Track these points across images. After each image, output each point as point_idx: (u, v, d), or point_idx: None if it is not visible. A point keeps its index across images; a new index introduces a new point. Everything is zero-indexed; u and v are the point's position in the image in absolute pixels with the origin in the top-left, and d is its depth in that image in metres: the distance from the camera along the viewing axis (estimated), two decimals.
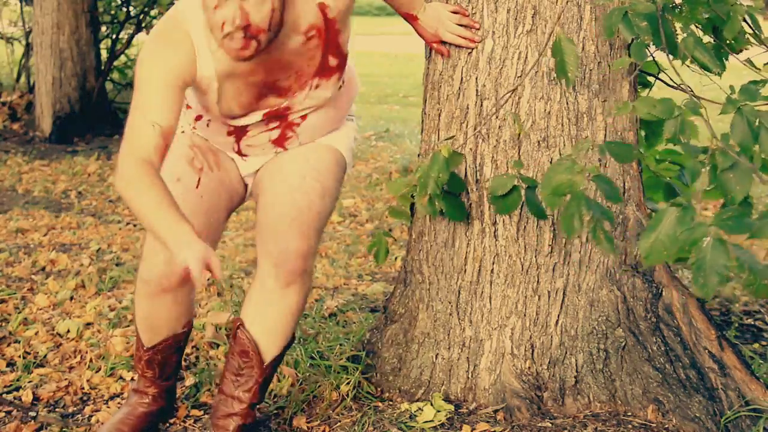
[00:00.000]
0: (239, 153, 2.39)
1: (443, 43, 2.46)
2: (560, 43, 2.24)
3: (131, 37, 7.62)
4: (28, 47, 7.89)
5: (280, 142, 2.35)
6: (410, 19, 2.45)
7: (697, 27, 2.42)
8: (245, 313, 2.31)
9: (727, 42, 2.41)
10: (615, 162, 2.44)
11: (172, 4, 7.89)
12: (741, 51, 2.46)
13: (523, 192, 2.25)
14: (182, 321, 2.40)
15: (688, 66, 2.28)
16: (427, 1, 2.45)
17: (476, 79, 2.46)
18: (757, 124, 2.03)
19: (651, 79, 2.77)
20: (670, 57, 2.19)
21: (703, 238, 1.84)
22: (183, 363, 2.85)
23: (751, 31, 2.39)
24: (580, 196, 2.03)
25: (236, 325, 2.32)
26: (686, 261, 2.91)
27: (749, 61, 2.39)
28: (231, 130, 2.32)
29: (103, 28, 7.62)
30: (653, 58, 2.63)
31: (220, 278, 1.98)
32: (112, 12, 7.82)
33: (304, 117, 2.32)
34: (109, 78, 7.64)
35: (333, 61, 2.25)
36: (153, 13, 7.77)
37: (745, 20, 2.32)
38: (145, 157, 2.04)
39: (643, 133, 2.88)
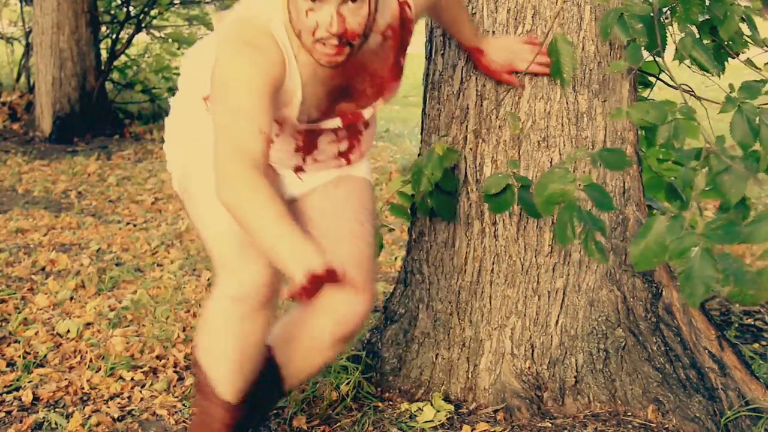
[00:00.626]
0: (299, 170, 2.16)
1: (515, 73, 2.40)
2: (556, 43, 2.24)
3: (131, 37, 7.62)
4: (28, 47, 7.89)
5: (347, 154, 2.18)
6: (476, 52, 2.39)
7: (696, 28, 2.43)
8: (277, 346, 2.14)
9: (726, 42, 2.41)
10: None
11: (172, 4, 7.90)
12: (739, 54, 2.46)
13: (516, 191, 2.25)
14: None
15: (688, 66, 2.28)
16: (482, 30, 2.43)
17: (476, 79, 2.46)
18: (757, 122, 2.03)
19: (652, 79, 2.77)
20: (663, 59, 2.19)
21: (691, 247, 1.85)
22: (183, 363, 2.85)
23: (748, 33, 2.38)
24: (572, 207, 2.04)
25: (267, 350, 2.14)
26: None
27: (749, 61, 2.39)
28: (300, 146, 2.09)
29: (103, 28, 7.62)
30: (654, 58, 2.63)
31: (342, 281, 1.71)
32: (112, 12, 7.82)
33: (366, 125, 2.19)
34: (109, 78, 7.64)
35: (401, 63, 2.10)
36: (153, 13, 7.77)
37: (743, 20, 2.32)
38: (256, 164, 1.77)
39: (643, 133, 2.88)
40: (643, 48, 2.20)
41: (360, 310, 2.09)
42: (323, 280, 1.61)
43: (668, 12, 2.44)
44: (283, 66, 1.88)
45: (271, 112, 1.84)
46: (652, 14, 2.15)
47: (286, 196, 2.17)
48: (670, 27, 2.34)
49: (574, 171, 2.12)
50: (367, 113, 2.09)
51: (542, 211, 2.09)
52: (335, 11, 1.77)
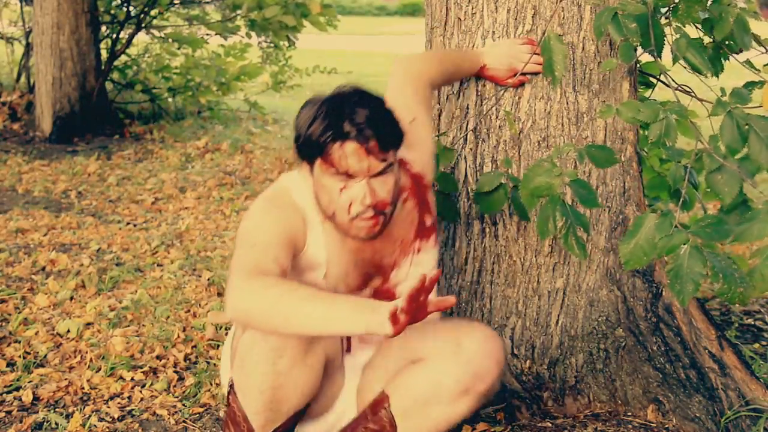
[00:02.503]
0: (348, 348, 2.11)
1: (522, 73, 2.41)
2: (549, 41, 2.25)
3: (131, 37, 7.61)
4: (28, 47, 7.88)
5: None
6: (480, 71, 2.43)
7: (696, 27, 2.43)
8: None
9: (726, 43, 2.41)
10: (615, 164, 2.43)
11: (172, 4, 7.89)
12: (741, 51, 2.46)
13: (509, 190, 2.25)
14: (316, 387, 1.95)
15: (684, 67, 2.28)
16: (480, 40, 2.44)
17: (476, 79, 2.46)
18: (746, 127, 2.04)
19: (654, 79, 2.78)
20: (660, 59, 2.19)
21: (681, 245, 1.86)
22: (183, 363, 2.85)
23: (740, 39, 2.38)
24: (555, 200, 2.04)
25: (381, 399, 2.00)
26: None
27: (748, 63, 2.39)
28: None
29: (103, 28, 7.61)
30: (655, 58, 2.63)
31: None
32: (112, 12, 7.81)
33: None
34: (109, 78, 7.64)
35: (429, 220, 2.12)
36: (153, 12, 7.77)
37: (735, 22, 2.32)
38: (268, 272, 1.79)
39: (645, 133, 2.88)
40: (640, 48, 2.21)
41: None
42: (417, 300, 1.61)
43: (667, 12, 2.44)
44: (303, 227, 1.95)
45: (289, 257, 1.86)
46: (647, 14, 2.15)
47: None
48: (667, 27, 2.33)
49: (575, 168, 2.12)
50: (402, 277, 2.08)
51: (526, 204, 2.10)
52: (367, 184, 1.87)
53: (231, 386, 1.94)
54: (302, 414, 1.97)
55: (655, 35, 2.15)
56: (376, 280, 2.09)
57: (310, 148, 1.88)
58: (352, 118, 1.84)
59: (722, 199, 2.06)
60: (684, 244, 1.86)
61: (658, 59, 2.20)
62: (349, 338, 2.11)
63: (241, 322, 1.84)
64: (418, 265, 2.11)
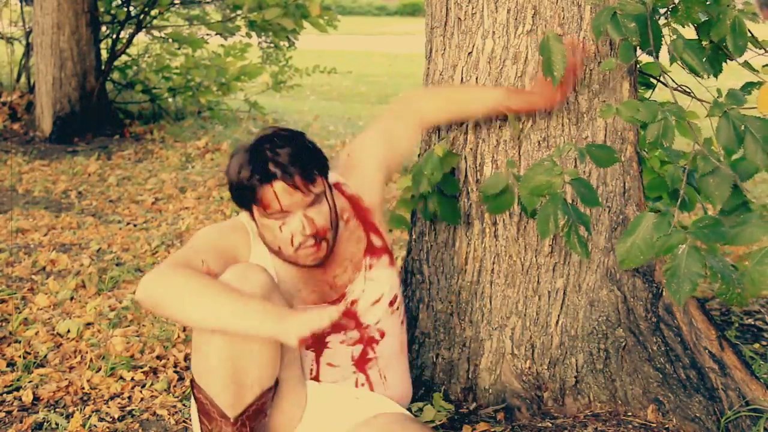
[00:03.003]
0: (316, 378, 2.14)
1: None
2: (548, 41, 2.25)
3: (131, 37, 7.61)
4: (28, 47, 7.88)
5: (362, 363, 2.16)
6: (507, 108, 2.40)
7: (695, 27, 2.42)
8: None
9: (724, 44, 2.41)
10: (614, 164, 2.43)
11: (172, 4, 7.89)
12: (741, 53, 2.46)
13: (516, 191, 2.25)
14: (275, 360, 1.97)
15: (682, 68, 2.28)
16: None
17: (476, 79, 2.46)
18: (742, 128, 2.04)
19: (654, 80, 2.77)
20: (657, 58, 2.19)
21: (679, 245, 1.86)
22: (183, 363, 2.85)
23: (734, 43, 2.38)
24: (556, 199, 2.04)
25: None
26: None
27: (747, 64, 2.39)
28: (309, 343, 1.98)
29: (103, 28, 7.61)
30: (654, 58, 2.62)
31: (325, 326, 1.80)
32: (112, 12, 7.81)
33: (382, 333, 2.19)
34: (109, 78, 7.64)
35: (377, 241, 2.20)
36: (153, 12, 7.77)
37: (731, 26, 2.32)
38: (195, 269, 1.93)
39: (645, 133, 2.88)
40: (639, 48, 2.21)
41: None
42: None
43: (666, 13, 2.44)
44: (246, 244, 2.11)
45: (219, 265, 1.98)
46: (645, 14, 2.15)
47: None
48: (666, 28, 2.33)
49: (575, 168, 2.12)
50: (357, 291, 2.15)
51: (526, 203, 2.10)
52: (303, 216, 2.01)
53: (192, 381, 1.95)
54: (272, 395, 1.97)
55: (653, 35, 2.15)
56: (332, 294, 2.16)
57: (243, 195, 2.03)
58: (275, 159, 1.98)
59: (712, 202, 2.07)
60: (682, 244, 1.87)
61: (656, 60, 2.20)
62: (317, 362, 2.14)
63: (150, 305, 1.89)
64: (372, 280, 2.18)
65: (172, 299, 1.85)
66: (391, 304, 2.21)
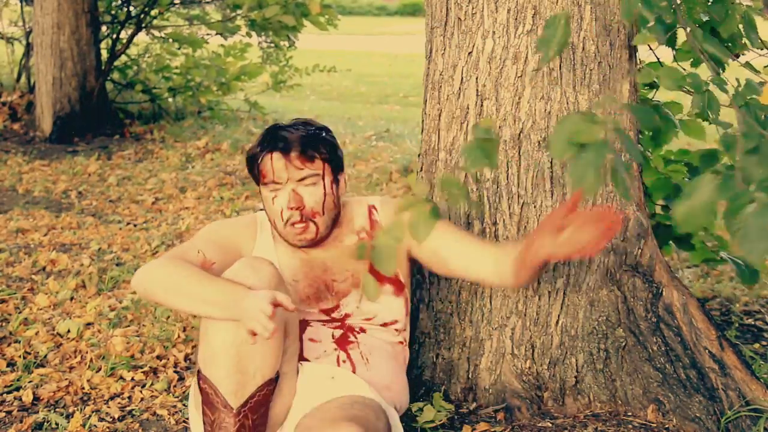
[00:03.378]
0: (300, 355, 2.15)
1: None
2: (557, 21, 2.20)
3: (131, 37, 7.61)
4: (29, 47, 7.88)
5: (342, 342, 2.20)
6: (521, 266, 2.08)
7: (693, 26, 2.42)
8: None
9: (726, 44, 2.41)
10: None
11: (172, 4, 7.89)
12: (738, 56, 2.46)
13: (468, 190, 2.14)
14: (278, 350, 1.99)
15: (682, 68, 2.28)
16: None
17: (476, 79, 2.46)
18: (763, 117, 2.03)
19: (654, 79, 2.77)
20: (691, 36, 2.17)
21: (746, 204, 1.83)
22: (183, 363, 2.85)
23: (747, 36, 2.38)
24: (601, 145, 1.92)
25: None
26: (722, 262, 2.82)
27: (748, 65, 2.39)
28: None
29: (103, 28, 7.61)
30: (657, 58, 2.63)
31: (293, 309, 1.89)
32: (112, 12, 7.82)
33: (362, 330, 2.24)
34: (109, 78, 7.64)
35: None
36: (153, 12, 7.77)
37: (743, 20, 2.32)
38: (190, 261, 2.06)
39: (649, 134, 2.88)
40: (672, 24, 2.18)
41: None
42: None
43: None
44: (251, 233, 2.26)
45: (217, 254, 2.13)
46: None
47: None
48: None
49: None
50: (352, 306, 2.23)
51: (556, 154, 1.94)
52: (291, 189, 2.15)
53: (198, 371, 1.98)
54: (273, 387, 1.98)
55: (672, 21, 2.14)
56: (329, 301, 2.24)
57: (250, 163, 2.21)
58: (284, 136, 2.17)
59: (756, 180, 2.03)
60: (752, 202, 1.83)
61: (689, 36, 2.18)
62: (300, 339, 2.16)
63: (142, 293, 2.04)
64: (370, 303, 2.24)
65: (160, 288, 1.99)
66: (385, 324, 2.25)
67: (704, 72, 2.26)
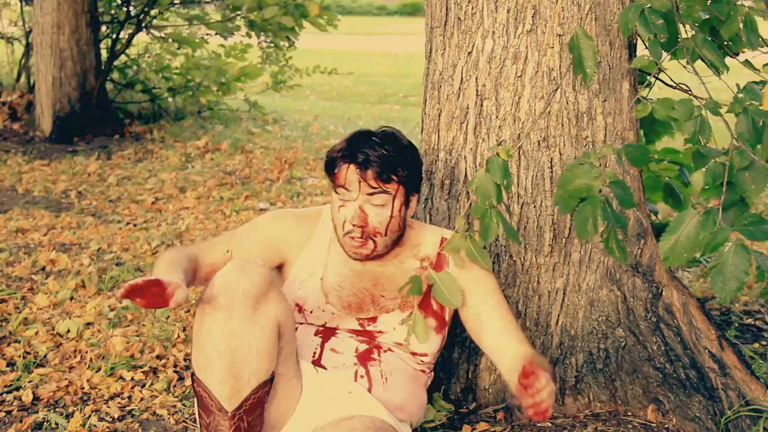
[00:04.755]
0: (318, 362, 2.15)
1: None
2: (578, 39, 2.22)
3: (131, 37, 7.61)
4: (28, 47, 7.88)
5: (364, 358, 2.16)
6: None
7: (696, 26, 2.42)
8: None
9: (726, 43, 2.41)
10: (614, 161, 2.44)
11: (172, 4, 7.89)
12: (738, 54, 2.46)
13: (497, 216, 2.14)
14: (272, 353, 1.98)
15: (684, 66, 2.28)
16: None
17: (476, 79, 2.46)
18: (761, 123, 2.03)
19: (652, 78, 2.77)
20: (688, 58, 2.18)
21: (724, 242, 1.84)
22: (183, 363, 2.85)
23: (747, 39, 2.38)
24: (596, 201, 2.02)
25: None
26: (698, 263, 2.86)
27: (747, 63, 2.39)
28: (320, 330, 2.21)
29: (103, 28, 7.61)
30: (688, 61, 2.62)
31: (181, 302, 1.90)
32: (112, 12, 7.82)
33: (389, 350, 2.21)
34: (109, 78, 7.64)
35: (435, 306, 2.22)
36: (153, 12, 7.77)
37: (744, 22, 2.32)
38: (193, 256, 2.21)
39: (642, 132, 2.88)
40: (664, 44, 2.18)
41: None
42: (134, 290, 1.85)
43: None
44: (307, 231, 2.30)
45: (259, 254, 2.21)
46: (672, 10, 2.14)
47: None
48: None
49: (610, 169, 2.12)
50: (388, 325, 2.20)
51: (562, 206, 2.06)
52: (359, 207, 2.14)
53: (192, 375, 1.97)
54: (267, 389, 1.97)
55: (672, 34, 2.15)
56: (370, 311, 2.22)
57: (328, 162, 2.20)
58: (366, 151, 2.13)
59: (748, 196, 2.05)
60: (728, 242, 1.85)
61: (688, 58, 2.18)
62: (322, 347, 2.18)
63: None
64: (400, 332, 2.20)
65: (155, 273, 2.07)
66: (414, 354, 2.22)
67: (704, 71, 2.26)
